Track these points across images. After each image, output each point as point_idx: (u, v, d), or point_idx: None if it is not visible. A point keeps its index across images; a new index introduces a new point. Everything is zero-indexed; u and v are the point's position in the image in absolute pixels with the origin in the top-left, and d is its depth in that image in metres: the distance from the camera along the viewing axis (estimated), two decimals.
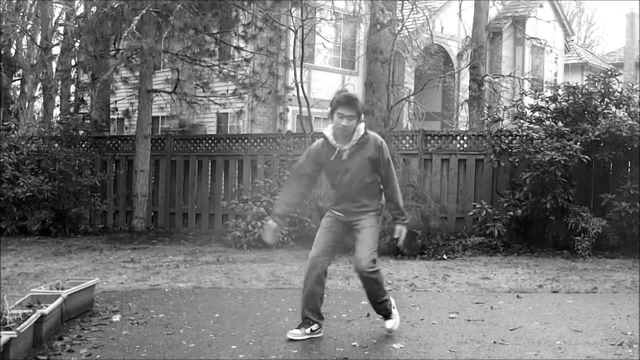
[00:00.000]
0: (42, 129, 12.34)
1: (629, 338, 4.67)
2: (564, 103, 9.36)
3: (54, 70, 18.82)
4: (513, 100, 10.41)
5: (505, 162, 9.51)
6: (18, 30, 18.63)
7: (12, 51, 20.42)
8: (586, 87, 9.25)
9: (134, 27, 9.95)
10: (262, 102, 13.72)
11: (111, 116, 16.35)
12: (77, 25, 14.58)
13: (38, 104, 22.57)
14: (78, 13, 17.87)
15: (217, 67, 12.08)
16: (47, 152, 11.36)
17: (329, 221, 4.69)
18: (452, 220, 10.31)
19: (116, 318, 5.23)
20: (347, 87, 17.75)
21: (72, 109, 17.17)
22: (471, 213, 9.61)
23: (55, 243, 10.07)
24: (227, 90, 12.49)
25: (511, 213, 8.88)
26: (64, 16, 19.51)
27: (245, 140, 11.58)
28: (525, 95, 10.79)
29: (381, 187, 4.68)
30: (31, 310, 4.46)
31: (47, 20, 17.77)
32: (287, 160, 10.66)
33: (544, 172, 8.60)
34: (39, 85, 19.80)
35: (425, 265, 8.10)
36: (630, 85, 9.48)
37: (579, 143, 8.54)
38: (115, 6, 10.29)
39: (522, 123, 9.56)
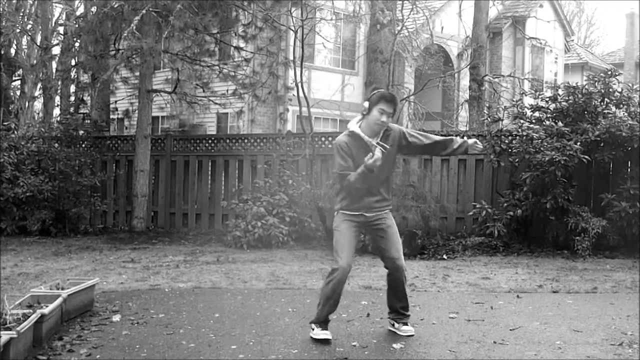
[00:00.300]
0: (42, 129, 12.33)
1: (629, 338, 4.67)
2: (564, 103, 9.36)
3: (54, 70, 18.83)
4: (513, 100, 10.40)
5: (505, 162, 9.51)
6: (18, 30, 18.64)
7: (12, 51, 20.44)
8: (586, 87, 9.24)
9: (134, 27, 9.95)
10: (262, 102, 13.72)
11: (111, 116, 16.36)
12: (77, 25, 14.58)
13: (38, 104, 22.59)
14: (78, 13, 17.88)
15: (217, 67, 12.08)
16: (47, 152, 11.35)
17: (349, 226, 4.61)
18: (452, 220, 10.31)
19: (116, 318, 5.23)
20: (346, 86, 17.79)
21: (72, 109, 17.18)
22: (471, 213, 9.61)
23: (55, 243, 10.07)
24: (227, 90, 12.49)
25: (511, 213, 8.88)
26: (64, 16, 19.52)
27: (245, 140, 11.58)
28: (525, 95, 10.79)
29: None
30: (31, 310, 4.46)
31: (47, 20, 17.78)
32: (287, 160, 10.66)
33: (544, 172, 8.60)
34: (39, 85, 19.81)
35: (425, 265, 8.10)
36: (630, 85, 9.47)
37: (579, 143, 8.54)
38: (115, 6, 10.29)
39: (522, 123, 9.55)
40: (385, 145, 4.56)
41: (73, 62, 16.71)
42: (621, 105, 9.22)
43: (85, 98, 16.33)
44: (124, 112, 13.66)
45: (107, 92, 14.96)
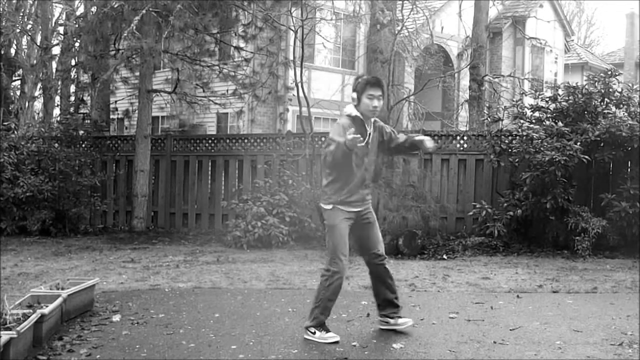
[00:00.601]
0: (42, 129, 12.33)
1: (629, 338, 4.67)
2: (564, 103, 9.36)
3: (54, 70, 18.83)
4: (513, 100, 10.40)
5: (505, 162, 9.51)
6: (18, 30, 18.63)
7: (12, 51, 20.43)
8: (586, 87, 9.25)
9: (134, 27, 9.94)
10: (262, 102, 13.72)
11: (111, 116, 16.35)
12: (77, 25, 14.57)
13: (38, 104, 22.58)
14: (78, 13, 17.87)
15: (217, 67, 12.08)
16: (47, 152, 11.35)
17: (346, 225, 4.58)
18: (452, 220, 10.31)
19: (116, 318, 5.23)
20: (346, 86, 17.77)
21: (72, 109, 17.17)
22: (471, 213, 9.61)
23: (55, 243, 10.07)
24: (227, 90, 12.49)
25: (511, 213, 8.88)
26: (64, 16, 19.52)
27: (245, 140, 11.58)
28: (525, 95, 10.79)
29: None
30: (31, 310, 4.46)
31: (47, 20, 17.78)
32: (287, 160, 10.66)
33: (544, 172, 8.60)
34: (39, 85, 19.80)
35: (425, 265, 8.10)
36: (630, 85, 9.47)
37: (579, 143, 8.54)
38: (115, 6, 10.29)
39: (522, 123, 9.55)
40: (371, 132, 4.59)
41: (73, 62, 16.71)
42: (621, 105, 9.22)
43: (85, 98, 16.33)
44: (124, 112, 13.66)
45: (107, 92, 14.96)
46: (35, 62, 19.55)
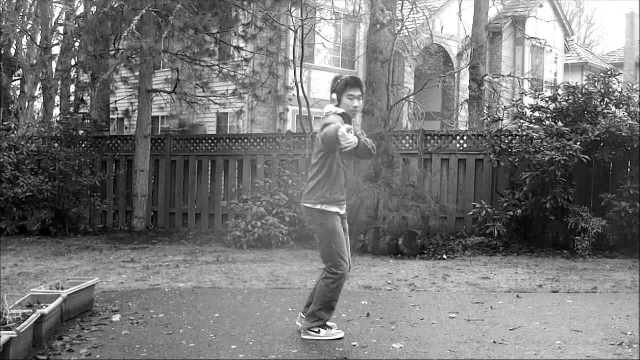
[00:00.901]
0: (42, 129, 12.33)
1: (629, 338, 4.67)
2: (564, 103, 9.36)
3: (54, 70, 18.83)
4: (513, 100, 10.40)
5: (505, 162, 9.51)
6: (18, 30, 18.64)
7: (12, 51, 20.43)
8: (586, 87, 9.25)
9: (134, 27, 9.94)
10: (262, 102, 13.72)
11: (111, 116, 16.37)
12: (77, 25, 14.58)
13: (38, 104, 22.59)
14: (78, 13, 17.88)
15: (217, 67, 12.08)
16: (47, 152, 11.36)
17: (339, 223, 4.58)
18: (452, 220, 10.31)
19: (116, 318, 5.23)
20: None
21: (72, 109, 17.18)
22: (471, 213, 9.61)
23: (55, 243, 10.07)
24: (227, 90, 12.49)
25: (511, 213, 8.88)
26: (64, 16, 19.52)
27: (245, 140, 11.58)
28: (525, 95, 10.79)
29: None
30: (31, 310, 4.46)
31: (47, 20, 17.77)
32: (287, 160, 10.66)
33: (544, 172, 8.60)
34: (39, 85, 19.81)
35: (425, 265, 8.11)
36: (630, 85, 9.48)
37: (579, 143, 8.54)
38: (115, 6, 10.29)
39: (522, 123, 9.56)
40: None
41: (73, 62, 16.70)
42: (621, 105, 9.22)
43: (85, 98, 16.34)
44: (124, 112, 13.66)
45: (107, 92, 14.97)
46: (35, 62, 19.55)
